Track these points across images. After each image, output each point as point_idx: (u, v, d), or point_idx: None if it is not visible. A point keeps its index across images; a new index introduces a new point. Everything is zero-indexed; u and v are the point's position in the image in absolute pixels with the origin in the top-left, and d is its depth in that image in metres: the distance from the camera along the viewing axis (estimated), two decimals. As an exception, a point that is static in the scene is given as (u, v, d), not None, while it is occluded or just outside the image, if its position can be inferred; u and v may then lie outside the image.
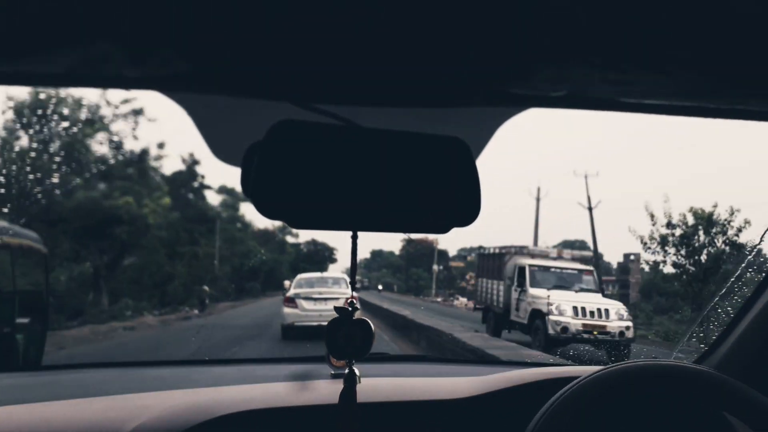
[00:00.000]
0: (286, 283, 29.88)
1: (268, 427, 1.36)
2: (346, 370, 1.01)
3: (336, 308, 0.96)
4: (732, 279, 1.92)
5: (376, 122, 0.77)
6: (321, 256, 56.11)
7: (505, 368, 1.70)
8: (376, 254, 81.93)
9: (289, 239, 51.32)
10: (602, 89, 0.68)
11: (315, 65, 0.62)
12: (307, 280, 14.71)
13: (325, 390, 1.49)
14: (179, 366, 2.09)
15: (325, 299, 12.31)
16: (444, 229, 0.84)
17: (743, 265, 1.96)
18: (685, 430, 1.43)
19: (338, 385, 1.19)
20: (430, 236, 60.01)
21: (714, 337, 1.77)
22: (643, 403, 1.45)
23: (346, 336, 0.95)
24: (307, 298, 12.32)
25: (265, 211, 0.75)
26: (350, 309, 0.95)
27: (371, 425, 1.39)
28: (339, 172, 0.77)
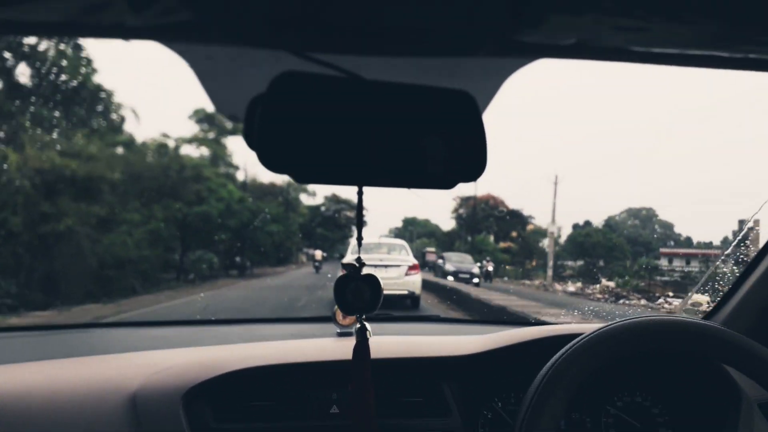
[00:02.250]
0: (317, 252, 28.87)
1: (273, 384, 1.38)
2: (357, 326, 1.02)
3: (343, 265, 0.96)
4: (738, 238, 1.91)
5: (380, 74, 0.76)
6: (345, 218, 49.39)
7: (510, 327, 1.71)
8: (409, 222, 73.35)
9: (304, 199, 44.32)
10: (614, 37, 0.66)
11: (318, 12, 0.60)
12: (365, 245, 13.57)
13: (331, 347, 1.51)
14: (186, 326, 2.11)
15: (386, 266, 11.63)
16: (450, 184, 0.84)
17: (749, 224, 1.95)
18: (689, 384, 1.44)
19: (344, 343, 1.21)
20: (495, 194, 53.23)
21: (719, 296, 1.77)
22: (648, 358, 1.46)
23: (355, 292, 0.95)
24: (367, 266, 11.58)
25: (269, 164, 0.74)
26: (358, 265, 0.96)
27: (377, 381, 1.40)
28: (343, 125, 0.76)
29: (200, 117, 27.41)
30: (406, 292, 11.53)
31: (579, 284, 23.54)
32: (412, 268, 11.95)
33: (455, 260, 26.76)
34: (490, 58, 0.74)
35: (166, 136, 22.92)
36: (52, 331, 1.97)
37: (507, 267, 37.39)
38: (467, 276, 23.63)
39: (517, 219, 47.58)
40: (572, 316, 9.11)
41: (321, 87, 0.74)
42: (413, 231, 67.24)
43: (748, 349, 1.09)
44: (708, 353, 1.13)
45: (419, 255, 33.68)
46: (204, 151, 27.23)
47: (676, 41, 0.68)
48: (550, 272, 29.70)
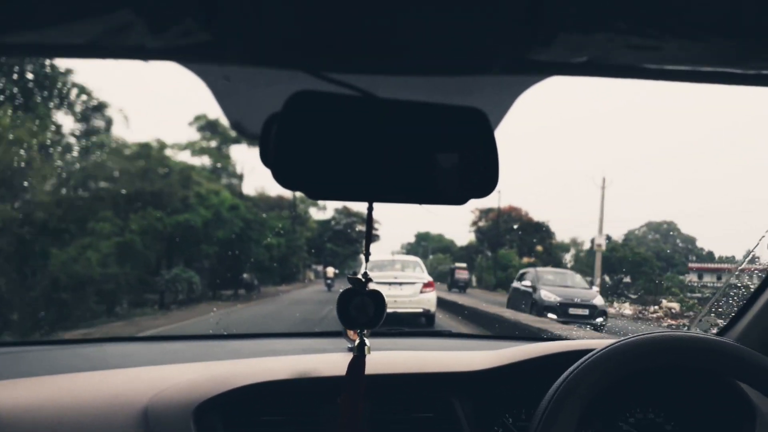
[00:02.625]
0: (329, 269, 27.27)
1: (284, 399, 1.38)
2: (356, 341, 1.02)
3: (349, 278, 0.96)
4: (752, 252, 1.90)
5: (393, 93, 0.77)
6: (356, 233, 46.61)
7: (522, 343, 1.70)
8: (422, 237, 70.61)
9: (314, 213, 42.53)
10: (625, 55, 0.67)
11: (332, 33, 0.61)
12: (377, 263, 13.06)
13: (342, 363, 1.50)
14: (198, 340, 2.11)
15: (400, 284, 11.42)
16: (461, 201, 0.84)
17: (763, 237, 1.94)
18: (703, 401, 1.42)
19: None
20: (521, 206, 49.88)
21: (734, 312, 1.76)
22: (661, 375, 1.45)
23: (358, 306, 0.95)
24: (380, 283, 10.95)
25: (283, 181, 0.75)
26: (363, 280, 0.95)
27: (384, 396, 1.40)
28: (356, 143, 0.77)
29: (202, 124, 25.10)
30: (420, 310, 11.32)
31: (636, 306, 18.87)
32: (426, 285, 11.76)
33: (554, 281, 15.43)
34: (502, 76, 0.75)
35: (159, 142, 20.28)
36: (65, 346, 1.98)
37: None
38: (584, 311, 13.40)
39: (543, 232, 44.06)
40: (584, 332, 9.03)
41: (335, 105, 0.76)
42: (427, 246, 64.63)
43: (763, 366, 1.08)
44: (722, 369, 1.12)
45: (447, 272, 31.75)
46: (205, 161, 25.10)
47: (688, 58, 0.68)
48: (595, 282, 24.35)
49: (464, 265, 35.56)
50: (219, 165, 26.20)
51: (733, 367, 1.10)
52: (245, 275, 23.92)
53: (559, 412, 1.04)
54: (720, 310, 1.91)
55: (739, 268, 1.93)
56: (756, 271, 1.77)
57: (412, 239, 71.36)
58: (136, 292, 16.81)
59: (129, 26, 0.58)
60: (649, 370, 1.11)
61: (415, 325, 10.79)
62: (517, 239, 44.66)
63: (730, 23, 0.59)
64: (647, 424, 1.48)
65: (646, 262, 33.11)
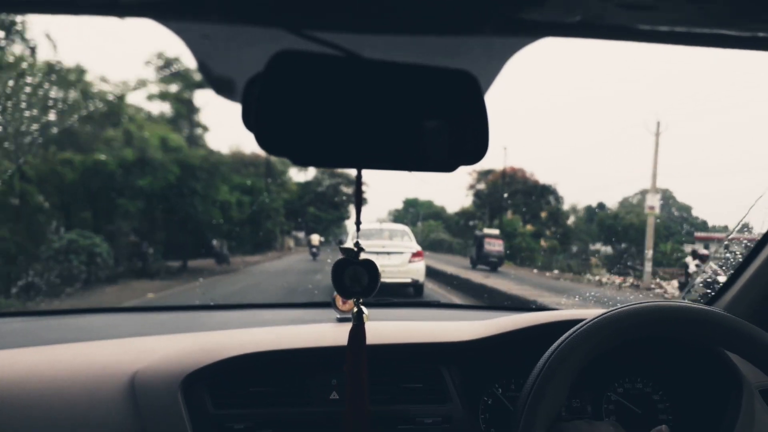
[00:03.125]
0: (314, 237, 25.12)
1: (272, 370, 1.37)
2: (354, 310, 1.02)
3: (341, 248, 0.95)
4: (741, 223, 1.90)
5: (380, 53, 0.74)
6: (342, 196, 42.20)
7: (511, 313, 1.70)
8: (410, 203, 66.22)
9: (294, 174, 37.74)
10: (619, 15, 0.64)
11: None
12: (365, 231, 12.50)
13: (331, 333, 1.50)
14: (185, 311, 2.10)
15: (389, 253, 11.27)
16: (451, 167, 0.82)
17: (751, 208, 1.94)
18: (690, 371, 1.43)
19: (343, 328, 1.20)
20: (526, 168, 45.71)
21: (722, 282, 1.76)
22: (649, 344, 1.46)
23: (353, 276, 0.94)
24: (368, 252, 10.83)
25: (266, 146, 0.73)
26: (356, 249, 0.95)
27: (373, 367, 1.40)
28: (342, 106, 0.75)
29: (162, 64, 19.24)
30: (409, 280, 11.24)
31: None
32: (415, 255, 11.63)
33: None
34: (492, 37, 0.72)
35: (103, 80, 15.39)
36: (51, 316, 1.96)
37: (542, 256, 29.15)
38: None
39: (550, 195, 38.52)
40: (573, 302, 9.11)
41: (319, 66, 0.73)
42: (416, 213, 61.05)
43: (751, 335, 1.08)
44: (710, 339, 1.12)
45: (476, 241, 24.29)
46: (165, 108, 19.99)
47: (684, 19, 0.66)
48: (648, 267, 20.59)
49: (496, 232, 27.01)
50: (180, 113, 20.90)
51: (721, 336, 1.10)
52: (214, 242, 19.99)
53: (549, 383, 1.04)
54: (709, 279, 1.92)
55: (728, 237, 1.93)
56: (745, 241, 1.77)
57: (400, 205, 68.42)
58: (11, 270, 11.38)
59: None
60: (638, 340, 1.11)
61: (404, 296, 10.64)
62: (522, 203, 38.67)
63: None
64: (636, 393, 1.49)
65: (655, 230, 28.15)
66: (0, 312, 1.99)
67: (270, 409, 1.32)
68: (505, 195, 39.24)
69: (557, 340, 1.10)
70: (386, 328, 1.53)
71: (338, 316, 1.76)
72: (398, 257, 11.39)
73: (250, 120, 0.73)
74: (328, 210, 42.76)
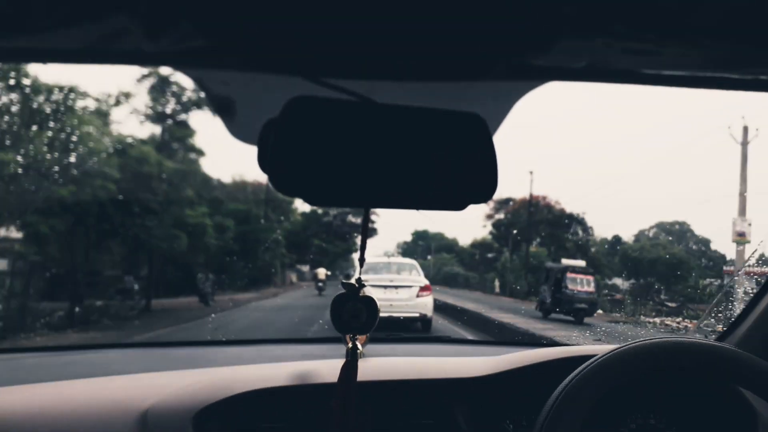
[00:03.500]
0: (321, 271, 23.02)
1: (284, 405, 1.37)
2: (349, 345, 1.02)
3: (343, 283, 0.96)
4: (754, 257, 1.90)
5: (391, 98, 0.77)
6: (348, 227, 39.06)
7: (522, 348, 1.70)
8: (420, 236, 62.56)
9: (300, 203, 31.15)
10: (624, 60, 0.67)
11: (330, 38, 0.61)
12: (372, 265, 12.65)
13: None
14: (197, 346, 2.11)
15: (396, 287, 11.08)
16: (460, 206, 0.84)
17: (761, 243, 1.94)
18: (704, 406, 1.42)
19: None
20: (550, 196, 42.19)
21: (734, 317, 1.75)
22: (662, 380, 1.45)
23: (352, 311, 0.95)
24: (375, 286, 10.52)
25: (281, 187, 0.75)
26: (357, 285, 0.95)
27: (384, 403, 1.40)
28: (355, 148, 0.77)
29: (154, 84, 15.81)
30: (417, 315, 10.98)
31: (676, 318, 14.54)
32: (423, 289, 11.48)
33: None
34: (500, 82, 0.75)
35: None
36: (65, 352, 1.97)
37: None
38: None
39: (577, 225, 35.59)
40: (584, 338, 9.01)
41: (333, 111, 0.75)
42: (426, 246, 57.71)
43: (763, 371, 1.07)
44: (722, 375, 1.11)
45: (551, 277, 16.86)
46: (156, 130, 16.76)
47: (687, 64, 0.68)
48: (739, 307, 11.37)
49: (582, 264, 20.06)
50: (171, 135, 17.69)
51: (733, 372, 1.09)
52: (199, 275, 16.80)
53: (561, 419, 1.03)
54: (720, 315, 1.91)
55: (739, 272, 1.92)
56: (756, 276, 1.77)
57: (409, 238, 65.15)
58: None
59: (125, 31, 0.58)
60: (650, 376, 1.10)
61: (411, 330, 10.48)
62: (548, 234, 35.49)
63: (728, 29, 0.59)
64: (648, 429, 1.47)
65: (682, 263, 26.38)
66: (14, 348, 2.01)
67: None
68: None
69: (568, 377, 1.10)
70: (396, 363, 1.53)
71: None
72: (406, 291, 11.21)
73: (265, 162, 0.75)
74: (333, 242, 39.62)
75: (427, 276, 13.70)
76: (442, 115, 0.78)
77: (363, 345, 1.06)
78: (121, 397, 1.34)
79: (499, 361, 1.51)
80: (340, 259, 40.02)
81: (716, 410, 1.39)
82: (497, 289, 31.58)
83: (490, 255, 41.39)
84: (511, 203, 39.22)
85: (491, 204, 40.01)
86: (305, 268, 37.47)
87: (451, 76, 0.73)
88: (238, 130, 0.82)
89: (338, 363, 1.58)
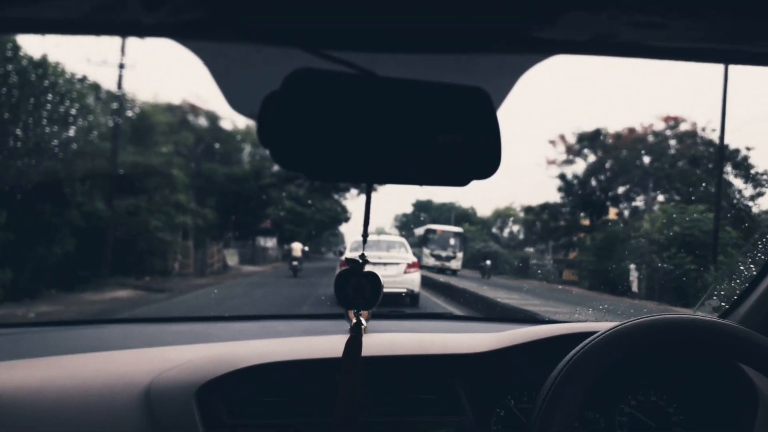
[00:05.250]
0: (296, 246, 18.69)
1: (285, 380, 1.38)
2: (353, 321, 1.03)
3: (347, 260, 0.97)
4: (755, 236, 1.89)
5: (394, 71, 0.76)
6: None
7: (523, 325, 1.70)
8: (422, 206, 55.74)
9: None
10: (630, 33, 0.65)
11: (331, 9, 0.60)
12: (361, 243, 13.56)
13: (343, 344, 1.50)
14: (200, 322, 2.12)
15: (385, 264, 11.69)
16: (463, 182, 0.83)
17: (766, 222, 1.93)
18: (705, 383, 1.42)
19: None
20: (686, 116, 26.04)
21: (736, 294, 1.75)
22: (663, 357, 1.45)
23: (356, 287, 0.96)
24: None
25: (282, 161, 0.74)
26: (362, 261, 0.96)
27: (386, 378, 1.40)
28: (356, 122, 0.76)
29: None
30: (404, 290, 11.75)
31: None
32: (410, 266, 12.21)
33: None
34: (505, 55, 0.73)
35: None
36: (67, 327, 1.98)
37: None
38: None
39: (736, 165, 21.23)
40: (586, 314, 9.02)
41: (334, 84, 0.74)
42: (428, 218, 50.01)
43: (766, 347, 1.07)
44: (724, 352, 1.12)
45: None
46: None
47: (694, 36, 0.67)
48: None
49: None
50: None
51: (735, 349, 1.09)
52: None
53: (563, 395, 1.04)
54: (723, 293, 1.91)
55: (743, 250, 1.92)
56: (759, 254, 1.76)
57: (409, 209, 59.05)
58: None
59: (123, 2, 0.57)
60: (652, 353, 1.10)
61: (400, 305, 10.95)
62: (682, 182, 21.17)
63: (736, 0, 0.58)
64: (649, 406, 1.48)
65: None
66: (18, 323, 2.02)
67: (283, 420, 1.33)
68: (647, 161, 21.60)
69: (570, 353, 1.10)
70: (399, 339, 1.54)
71: (350, 327, 1.77)
72: (394, 268, 11.89)
73: (265, 136, 0.74)
74: (316, 202, 28.40)
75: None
76: (446, 89, 0.77)
77: (366, 321, 1.06)
78: (124, 371, 1.35)
79: (501, 337, 1.51)
80: (326, 233, 34.75)
81: (717, 387, 1.40)
82: (634, 286, 19.25)
83: (561, 223, 28.59)
84: (605, 137, 24.63)
85: (560, 143, 27.85)
86: (270, 243, 28.82)
87: (454, 48, 0.72)
88: (239, 104, 0.81)
89: (339, 338, 1.60)
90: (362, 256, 0.97)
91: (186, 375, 1.31)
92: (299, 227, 28.23)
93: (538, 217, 30.75)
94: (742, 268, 1.86)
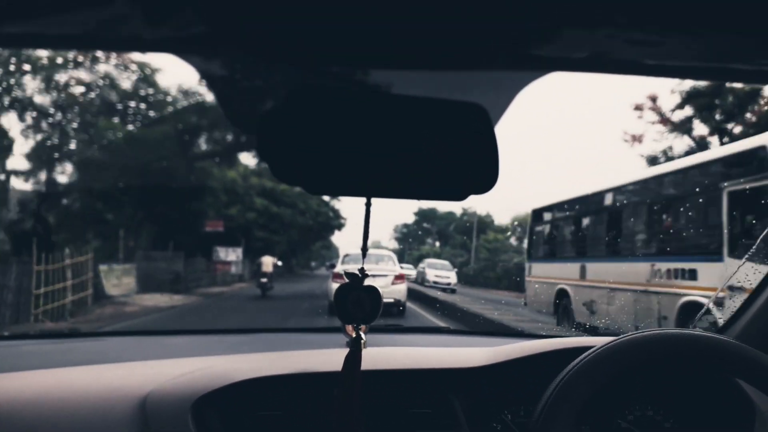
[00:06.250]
0: (266, 260, 16.08)
1: (282, 394, 1.37)
2: (353, 335, 1.02)
3: (346, 273, 0.97)
4: (752, 250, 1.90)
5: (393, 88, 0.77)
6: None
7: (520, 340, 1.70)
8: (425, 215, 50.55)
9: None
10: (627, 51, 0.66)
11: (332, 27, 0.61)
12: (354, 257, 14.05)
13: (340, 358, 1.50)
14: (196, 335, 2.11)
15: (374, 276, 12.14)
16: (461, 197, 0.84)
17: (764, 235, 1.93)
18: (702, 399, 1.42)
19: None
20: None
21: (734, 310, 1.75)
22: (660, 372, 1.45)
23: (355, 301, 0.96)
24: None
25: (281, 175, 0.75)
26: (360, 275, 0.96)
27: (382, 392, 1.40)
28: (355, 138, 0.77)
29: None
30: (392, 300, 12.59)
31: None
32: (398, 277, 13.09)
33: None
34: (502, 72, 0.74)
35: None
36: (64, 340, 1.98)
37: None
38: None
39: None
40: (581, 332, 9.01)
41: (334, 100, 0.75)
42: (430, 229, 46.23)
43: (763, 364, 1.07)
44: (722, 367, 1.12)
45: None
46: None
47: (691, 55, 0.68)
48: None
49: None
50: None
51: (732, 364, 1.09)
52: None
53: (559, 409, 1.04)
54: (720, 308, 1.91)
55: (739, 265, 1.92)
56: (756, 269, 1.77)
57: (411, 219, 53.65)
58: None
59: (126, 18, 0.57)
60: (648, 368, 1.10)
61: (388, 315, 11.65)
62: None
63: (732, 19, 0.58)
64: (646, 421, 1.48)
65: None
66: (14, 334, 2.01)
67: None
68: None
69: (567, 368, 1.10)
70: (394, 353, 1.53)
71: (348, 340, 1.76)
72: (383, 279, 12.67)
73: (265, 151, 0.75)
74: (300, 202, 22.34)
75: (462, 273, 14.61)
76: (444, 105, 0.78)
77: (364, 335, 1.06)
78: (119, 384, 1.34)
79: (497, 351, 1.51)
80: (317, 244, 29.74)
81: (714, 403, 1.39)
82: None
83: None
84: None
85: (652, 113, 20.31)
86: (234, 255, 21.24)
87: (452, 66, 0.72)
88: (239, 118, 0.81)
89: (336, 352, 1.59)
90: (362, 269, 0.97)
91: (182, 388, 1.31)
92: (275, 234, 21.43)
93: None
94: (740, 283, 1.86)
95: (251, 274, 20.44)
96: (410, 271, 25.42)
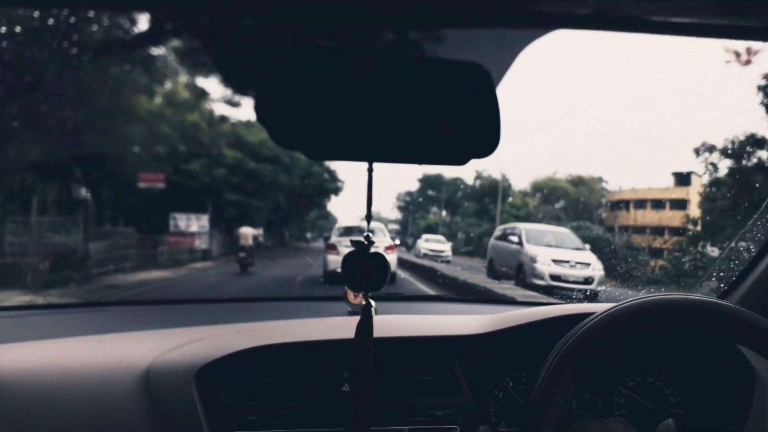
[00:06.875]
0: (246, 231, 14.33)
1: (285, 362, 1.38)
2: (363, 303, 1.02)
3: (352, 242, 0.96)
4: (754, 217, 1.89)
5: (392, 47, 0.75)
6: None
7: (521, 307, 1.70)
8: (430, 181, 45.44)
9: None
10: (631, 7, 0.64)
11: None
12: (346, 228, 14.21)
13: (342, 326, 1.51)
14: (200, 303, 2.12)
15: None
16: (462, 160, 0.83)
17: (766, 202, 1.92)
18: (702, 364, 1.43)
19: (354, 322, 1.22)
20: None
21: (735, 276, 1.75)
22: (660, 338, 1.45)
23: (363, 269, 0.95)
24: (348, 247, 11.93)
25: (279, 140, 0.74)
26: (366, 243, 0.95)
27: (385, 360, 1.40)
28: (353, 100, 0.75)
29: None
30: None
31: None
32: (388, 248, 13.22)
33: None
34: (504, 30, 0.72)
35: None
36: (67, 310, 1.98)
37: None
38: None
39: None
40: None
41: (332, 61, 0.73)
42: (438, 197, 41.63)
43: (763, 328, 1.07)
44: (722, 332, 1.11)
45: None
46: None
47: (696, 10, 0.66)
48: None
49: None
50: None
51: (733, 329, 1.09)
52: None
53: (559, 378, 1.04)
54: (722, 274, 1.91)
55: (741, 232, 1.91)
56: (759, 234, 1.76)
57: (415, 185, 48.62)
58: None
59: None
60: (649, 334, 1.10)
61: None
62: None
63: None
64: (647, 387, 1.48)
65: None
66: (18, 306, 2.02)
67: (282, 401, 1.33)
68: None
69: (566, 335, 1.10)
70: (398, 321, 1.54)
71: (349, 309, 1.77)
72: (375, 250, 12.83)
73: (263, 114, 0.73)
74: (284, 157, 18.28)
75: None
76: (444, 65, 0.76)
77: (361, 303, 1.06)
78: (123, 354, 1.35)
79: (499, 318, 1.51)
80: (312, 214, 27.14)
81: (714, 368, 1.40)
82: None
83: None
84: None
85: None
86: (192, 223, 16.77)
87: (453, 23, 0.71)
88: (235, 81, 0.80)
89: (338, 320, 1.60)
90: (367, 237, 0.97)
91: (185, 357, 1.31)
92: (253, 197, 16.82)
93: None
94: (741, 249, 1.85)
95: (221, 250, 16.32)
96: (445, 245, 24.84)
